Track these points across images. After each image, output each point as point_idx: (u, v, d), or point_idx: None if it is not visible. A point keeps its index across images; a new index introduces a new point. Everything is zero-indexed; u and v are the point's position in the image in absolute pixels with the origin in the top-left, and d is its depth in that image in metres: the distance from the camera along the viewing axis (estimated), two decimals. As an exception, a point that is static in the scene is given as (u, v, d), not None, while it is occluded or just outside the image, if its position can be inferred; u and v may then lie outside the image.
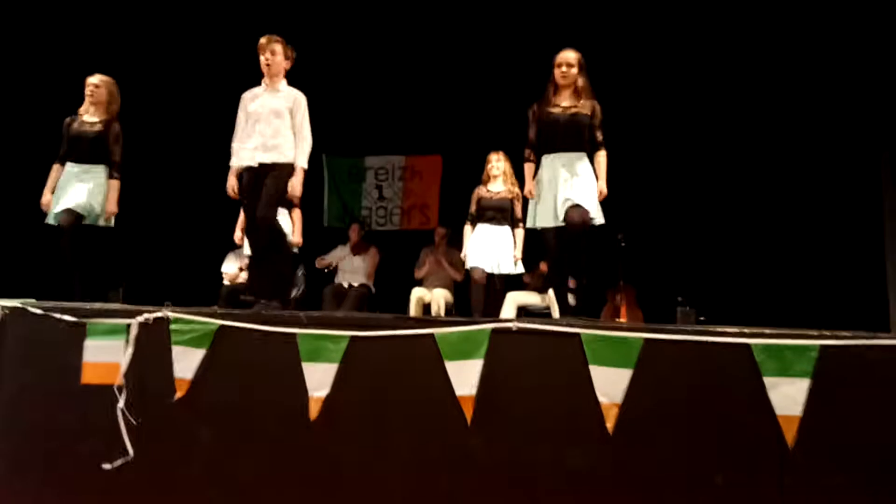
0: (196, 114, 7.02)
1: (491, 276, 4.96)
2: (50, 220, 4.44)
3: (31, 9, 6.61)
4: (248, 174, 4.06)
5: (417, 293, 5.76)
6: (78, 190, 4.39)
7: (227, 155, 4.22)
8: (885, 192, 6.02)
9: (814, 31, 5.98)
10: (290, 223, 5.30)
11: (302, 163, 4.06)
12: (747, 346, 2.80)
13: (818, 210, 6.12)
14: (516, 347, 2.99)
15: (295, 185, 4.04)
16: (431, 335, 3.04)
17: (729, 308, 5.81)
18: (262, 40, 4.10)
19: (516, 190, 5.01)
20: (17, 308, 3.38)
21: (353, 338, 3.09)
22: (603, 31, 6.41)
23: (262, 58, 4.09)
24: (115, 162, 4.52)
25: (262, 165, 4.01)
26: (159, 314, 3.27)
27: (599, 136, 3.93)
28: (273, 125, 4.01)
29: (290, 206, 5.26)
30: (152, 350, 3.23)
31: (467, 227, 5.17)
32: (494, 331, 2.99)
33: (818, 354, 2.73)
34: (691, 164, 6.46)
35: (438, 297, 5.73)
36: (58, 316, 3.30)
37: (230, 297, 5.80)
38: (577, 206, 3.75)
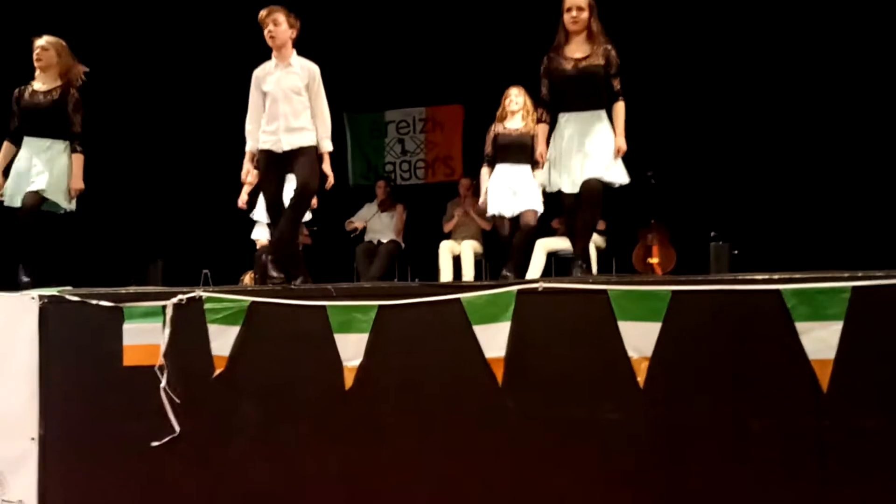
0: (220, 88, 6.99)
1: (515, 219, 4.65)
2: (9, 202, 4.11)
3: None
4: (268, 157, 3.90)
5: (446, 246, 5.76)
6: (38, 172, 4.05)
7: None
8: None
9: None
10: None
11: (328, 146, 3.94)
12: (778, 291, 2.75)
13: (851, 141, 5.87)
14: (543, 307, 2.99)
15: (328, 173, 3.95)
16: (458, 300, 3.06)
17: (762, 240, 5.74)
18: (262, 13, 3.90)
19: (535, 126, 4.59)
20: (55, 296, 3.49)
21: (381, 307, 3.13)
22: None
23: (265, 31, 3.90)
24: (76, 133, 4.15)
25: (286, 152, 3.87)
26: (193, 294, 3.34)
27: (616, 84, 3.75)
28: (293, 105, 3.86)
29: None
30: (189, 329, 3.33)
31: (484, 170, 4.84)
32: (520, 292, 2.99)
33: (850, 296, 2.67)
34: (720, 96, 6.21)
35: (467, 249, 5.72)
36: (95, 302, 3.41)
37: (263, 261, 5.91)
38: (594, 178, 3.68)
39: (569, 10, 3.76)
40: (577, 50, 3.79)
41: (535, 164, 4.63)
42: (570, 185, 3.77)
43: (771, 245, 5.71)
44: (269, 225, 4.50)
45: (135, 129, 7.20)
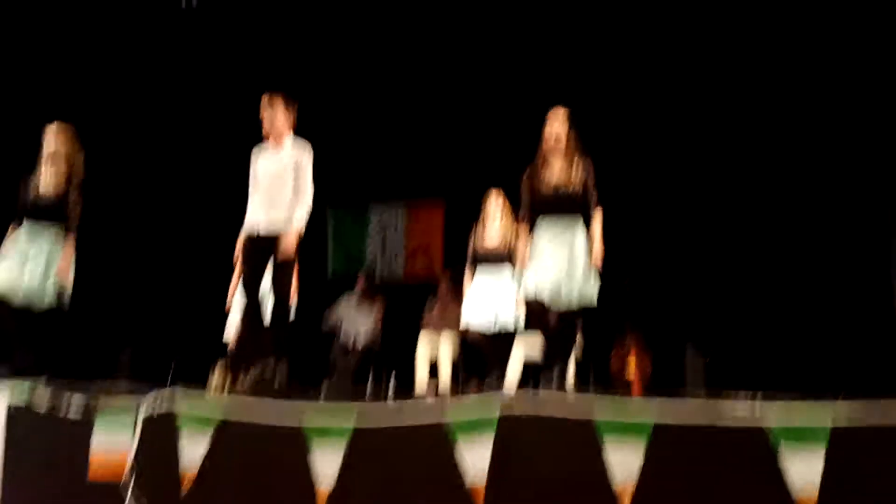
0: (200, 171, 7.05)
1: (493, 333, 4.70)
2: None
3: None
4: (255, 241, 3.94)
5: (423, 345, 5.68)
6: (31, 260, 4.08)
7: (225, 216, 4.17)
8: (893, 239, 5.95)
9: (818, 77, 5.97)
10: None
11: (298, 224, 3.89)
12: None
13: (826, 251, 6.02)
14: (525, 430, 2.95)
15: (288, 246, 3.85)
16: (440, 421, 3.02)
17: (736, 346, 5.80)
18: (264, 99, 4.00)
19: (513, 228, 4.72)
20: (22, 406, 3.37)
21: (356, 429, 3.07)
22: (605, 78, 6.41)
23: (263, 115, 3.99)
24: (72, 222, 4.24)
25: (265, 237, 3.89)
26: (166, 397, 3.24)
27: (594, 195, 3.89)
28: (275, 188, 3.90)
29: None
30: (159, 439, 3.21)
31: (467, 274, 4.93)
32: (501, 419, 2.96)
33: (832, 425, 2.69)
34: (694, 203, 6.41)
35: (445, 346, 5.66)
36: (63, 409, 3.30)
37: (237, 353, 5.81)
38: (573, 311, 3.77)
39: (550, 124, 3.91)
40: (556, 168, 3.90)
41: (514, 272, 4.70)
42: (547, 295, 3.80)
43: (746, 352, 5.77)
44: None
45: (105, 212, 7.16)
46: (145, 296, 7.06)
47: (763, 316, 5.97)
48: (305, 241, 7.53)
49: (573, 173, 3.87)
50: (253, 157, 4.07)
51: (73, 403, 3.34)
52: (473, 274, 4.87)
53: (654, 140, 6.47)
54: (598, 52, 6.34)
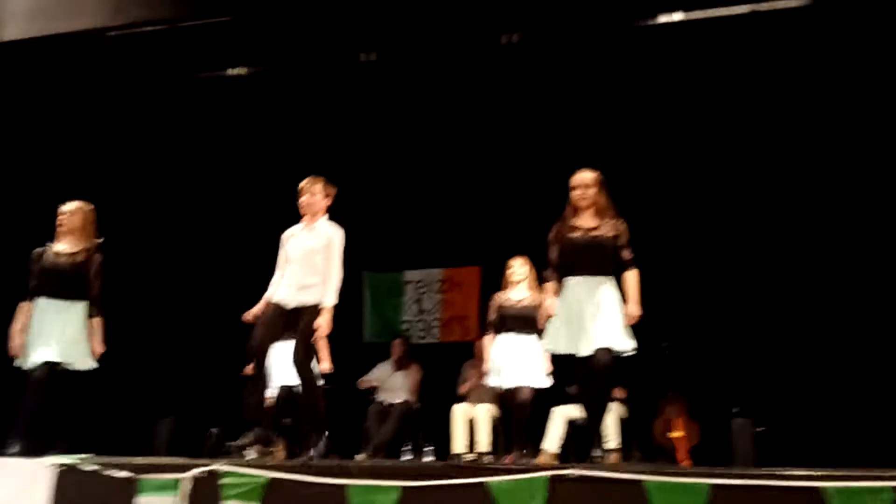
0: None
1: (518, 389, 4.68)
2: (25, 365, 4.06)
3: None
4: (277, 309, 4.03)
5: (461, 410, 5.65)
6: (57, 336, 4.04)
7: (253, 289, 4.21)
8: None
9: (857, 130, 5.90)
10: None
11: (328, 302, 3.98)
12: (817, 489, 2.66)
13: (885, 312, 5.60)
14: (577, 495, 2.88)
15: (322, 325, 3.95)
16: (483, 483, 2.96)
17: (788, 415, 5.58)
18: (304, 183, 4.15)
19: (541, 296, 4.87)
20: (71, 465, 3.40)
21: (403, 489, 3.03)
22: (643, 141, 6.43)
23: (301, 198, 4.14)
24: (95, 297, 4.21)
25: (294, 308, 4.00)
26: (210, 468, 3.24)
27: (627, 254, 3.82)
28: (308, 265, 4.02)
29: None
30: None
31: (487, 338, 4.95)
32: (552, 478, 2.90)
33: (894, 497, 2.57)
34: (736, 263, 6.26)
35: (484, 414, 5.60)
36: (109, 474, 3.31)
37: (273, 421, 5.79)
38: (604, 348, 3.66)
39: (574, 188, 3.92)
40: (586, 221, 3.89)
41: (540, 334, 4.67)
42: (575, 346, 3.75)
43: (796, 420, 5.55)
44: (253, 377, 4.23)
45: (142, 282, 7.31)
46: (182, 363, 7.09)
47: (819, 380, 5.70)
48: (340, 305, 7.64)
49: (605, 224, 3.84)
50: (282, 240, 4.20)
51: (119, 468, 3.35)
52: (495, 337, 4.88)
53: (695, 200, 6.40)
54: (633, 115, 6.41)
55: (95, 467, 3.37)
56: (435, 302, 7.60)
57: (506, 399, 4.91)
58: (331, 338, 7.07)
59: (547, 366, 4.77)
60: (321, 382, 6.16)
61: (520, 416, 4.79)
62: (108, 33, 5.40)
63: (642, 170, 6.36)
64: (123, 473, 3.31)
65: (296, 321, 4.00)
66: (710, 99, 6.18)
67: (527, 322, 4.76)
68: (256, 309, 4.15)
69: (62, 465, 3.41)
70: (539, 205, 6.37)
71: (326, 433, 4.05)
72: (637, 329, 3.82)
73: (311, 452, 3.87)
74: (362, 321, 7.64)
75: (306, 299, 3.98)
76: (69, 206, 4.31)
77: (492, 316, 4.95)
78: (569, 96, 6.39)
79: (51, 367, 4.01)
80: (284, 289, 4.05)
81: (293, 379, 4.36)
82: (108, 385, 6.61)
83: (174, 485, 3.23)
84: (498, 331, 4.87)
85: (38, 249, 4.25)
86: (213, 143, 7.17)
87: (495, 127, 6.74)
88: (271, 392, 6.14)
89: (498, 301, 4.94)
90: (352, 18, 5.67)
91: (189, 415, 6.20)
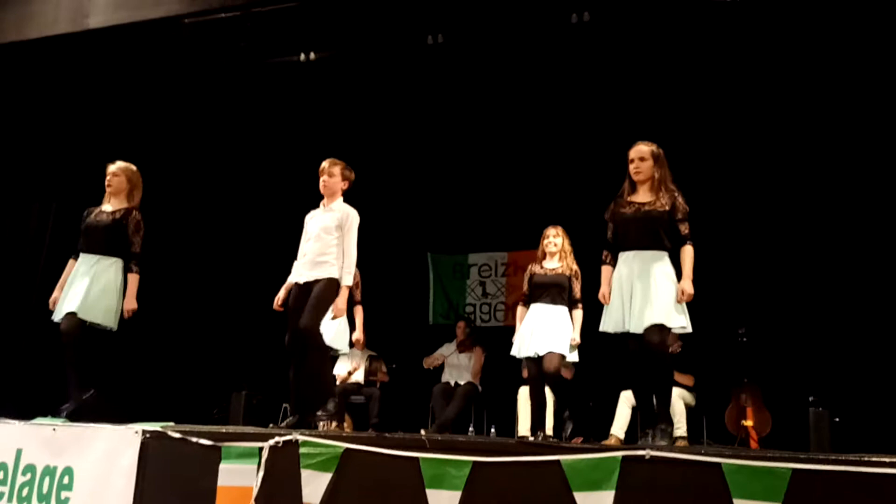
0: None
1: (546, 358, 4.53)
2: (55, 318, 4.19)
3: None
4: (295, 289, 4.20)
5: (526, 392, 5.65)
6: (84, 290, 4.10)
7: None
8: None
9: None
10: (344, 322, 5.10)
11: (347, 280, 4.14)
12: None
13: None
14: (650, 476, 2.86)
15: (338, 304, 4.11)
16: (558, 462, 2.97)
17: (863, 405, 5.38)
18: (324, 164, 4.33)
19: (575, 266, 4.76)
20: (157, 432, 3.56)
21: (475, 464, 3.06)
22: (724, 125, 6.24)
23: (321, 179, 4.31)
24: (135, 253, 4.24)
25: (307, 283, 4.15)
26: (289, 437, 3.35)
27: (683, 229, 3.72)
28: (321, 242, 4.17)
29: (353, 302, 5.22)
30: (282, 473, 3.31)
31: (520, 309, 4.87)
32: (625, 458, 2.88)
33: None
34: (816, 250, 6.04)
35: (549, 400, 5.59)
36: (195, 440, 3.45)
37: (342, 398, 5.96)
38: (657, 325, 3.57)
39: (631, 160, 3.85)
40: (641, 196, 3.83)
41: (573, 305, 4.69)
42: (623, 325, 3.70)
43: (872, 412, 5.36)
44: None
45: (219, 255, 7.55)
46: (256, 335, 7.29)
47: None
48: (406, 287, 7.67)
49: (660, 198, 3.75)
50: (306, 221, 4.37)
51: (203, 436, 3.49)
52: (527, 310, 4.79)
53: (778, 187, 6.20)
54: (708, 96, 6.20)
55: (180, 435, 3.51)
56: (499, 285, 7.60)
57: (531, 370, 4.74)
58: (397, 319, 7.28)
59: (576, 338, 4.63)
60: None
61: (553, 386, 4.69)
62: (184, 20, 5.56)
63: (721, 155, 6.19)
64: (207, 441, 3.45)
65: (307, 294, 4.13)
66: (795, 75, 5.91)
67: (559, 291, 4.67)
68: (282, 293, 4.30)
69: (149, 432, 3.57)
70: (605, 188, 6.32)
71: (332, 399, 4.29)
72: (713, 315, 3.75)
73: (320, 413, 4.11)
74: (427, 303, 7.71)
75: (319, 275, 4.13)
76: (114, 167, 4.38)
77: (524, 287, 4.88)
78: (637, 75, 6.23)
79: (79, 321, 4.08)
80: (300, 267, 4.23)
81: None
82: (180, 353, 6.96)
83: (256, 452, 3.35)
84: (528, 302, 4.80)
85: (89, 209, 4.41)
86: (280, 127, 7.31)
87: (563, 110, 6.66)
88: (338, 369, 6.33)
89: (530, 271, 4.88)
90: (418, 1, 5.68)
91: (259, 389, 6.40)
